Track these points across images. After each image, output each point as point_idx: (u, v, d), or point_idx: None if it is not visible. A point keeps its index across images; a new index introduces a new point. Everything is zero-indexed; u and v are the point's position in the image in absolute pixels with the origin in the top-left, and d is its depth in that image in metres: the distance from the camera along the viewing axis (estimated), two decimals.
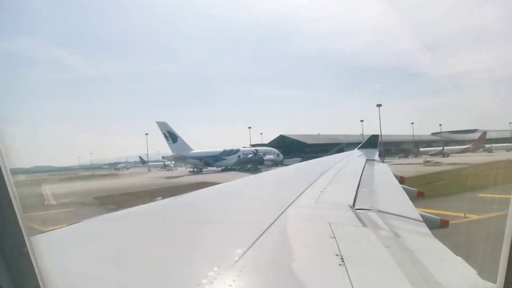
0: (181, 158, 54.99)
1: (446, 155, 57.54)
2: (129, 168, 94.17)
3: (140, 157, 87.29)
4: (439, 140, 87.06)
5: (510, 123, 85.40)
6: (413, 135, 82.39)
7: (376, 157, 12.76)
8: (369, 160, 10.25)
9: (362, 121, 75.50)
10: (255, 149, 59.55)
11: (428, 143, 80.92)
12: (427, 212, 3.59)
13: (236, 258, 1.66)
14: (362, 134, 78.72)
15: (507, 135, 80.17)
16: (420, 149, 69.53)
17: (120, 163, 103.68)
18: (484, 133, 62.20)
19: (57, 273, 1.37)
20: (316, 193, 3.83)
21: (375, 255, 1.92)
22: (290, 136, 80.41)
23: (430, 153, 60.86)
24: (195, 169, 58.00)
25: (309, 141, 77.33)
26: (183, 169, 69.74)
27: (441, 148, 62.27)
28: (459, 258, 1.86)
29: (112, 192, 27.09)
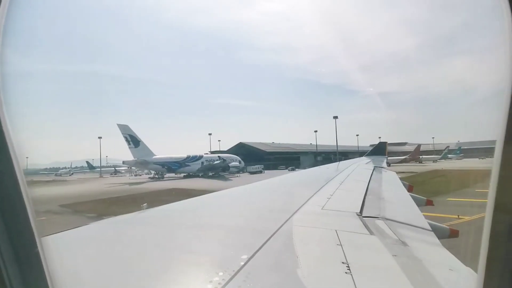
0: (143, 163, 52.71)
1: (388, 165, 65.08)
2: (72, 173, 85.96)
3: (87, 162, 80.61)
4: None
5: (433, 138, 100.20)
6: (358, 146, 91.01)
7: (384, 164, 13.04)
8: (377, 167, 10.40)
9: (316, 131, 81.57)
10: (218, 156, 59.94)
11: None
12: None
13: (242, 263, 1.67)
14: (313, 144, 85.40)
15: (430, 148, 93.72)
16: None
17: (60, 168, 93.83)
18: (419, 145, 72.27)
19: (65, 273, 1.41)
20: (322, 200, 3.81)
21: (382, 264, 1.90)
22: (249, 144, 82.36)
23: None
24: (156, 175, 56.02)
25: (267, 149, 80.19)
26: (139, 175, 66.44)
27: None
28: (469, 269, 1.80)
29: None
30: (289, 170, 66.90)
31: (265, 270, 1.69)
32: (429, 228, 2.97)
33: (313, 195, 4.17)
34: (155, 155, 54.30)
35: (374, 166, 10.99)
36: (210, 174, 55.89)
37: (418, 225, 3.08)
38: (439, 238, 2.70)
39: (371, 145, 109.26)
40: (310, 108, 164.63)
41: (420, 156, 71.49)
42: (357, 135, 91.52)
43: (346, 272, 1.65)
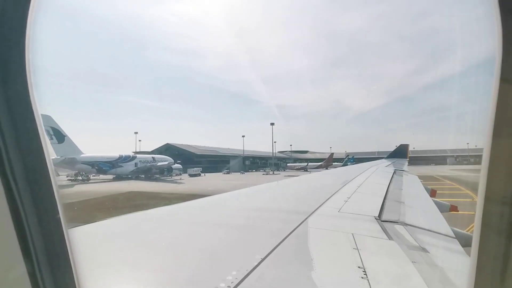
0: (69, 162, 43.57)
1: (307, 170, 73.68)
2: None
3: None
4: (288, 157, 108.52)
5: (330, 147, 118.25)
6: (273, 152, 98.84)
7: (405, 167, 13.14)
8: (397, 171, 10.61)
9: (243, 136, 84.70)
10: (152, 157, 55.45)
11: (284, 159, 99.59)
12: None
13: (255, 263, 1.68)
14: (230, 148, 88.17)
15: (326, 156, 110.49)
16: (288, 164, 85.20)
17: None
18: (332, 154, 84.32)
19: (88, 263, 1.50)
20: (339, 203, 3.75)
21: (400, 270, 1.84)
22: (177, 146, 78.30)
23: (295, 167, 76.10)
24: (80, 177, 47.12)
25: (197, 152, 78.01)
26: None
27: (306, 164, 79.23)
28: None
29: None
30: (224, 173, 67.52)
31: (279, 271, 1.67)
32: (453, 235, 2.86)
33: (329, 198, 4.11)
34: (83, 153, 45.97)
35: (395, 169, 11.00)
36: (142, 176, 51.12)
37: (440, 232, 2.98)
38: (463, 246, 2.56)
39: (279, 152, 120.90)
40: (218, 113, 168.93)
41: (332, 163, 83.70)
42: (274, 142, 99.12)
43: (362, 277, 1.61)
